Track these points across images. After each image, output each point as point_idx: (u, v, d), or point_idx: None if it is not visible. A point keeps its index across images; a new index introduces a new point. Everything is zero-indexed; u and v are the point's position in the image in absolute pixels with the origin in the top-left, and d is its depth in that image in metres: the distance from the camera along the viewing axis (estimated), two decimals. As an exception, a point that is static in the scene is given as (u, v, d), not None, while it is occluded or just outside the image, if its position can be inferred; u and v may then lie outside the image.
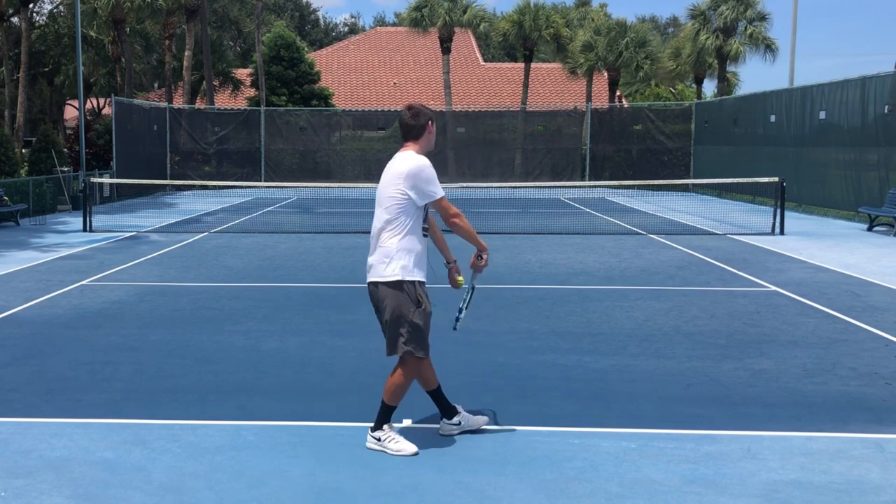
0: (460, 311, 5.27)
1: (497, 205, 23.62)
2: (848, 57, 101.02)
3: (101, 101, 44.97)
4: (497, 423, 5.37)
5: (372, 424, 5.00)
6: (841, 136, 20.16)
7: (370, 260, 4.90)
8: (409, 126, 4.93)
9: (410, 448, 4.86)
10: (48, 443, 5.03)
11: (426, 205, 4.87)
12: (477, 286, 5.43)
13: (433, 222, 5.18)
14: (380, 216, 4.87)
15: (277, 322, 8.43)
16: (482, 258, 5.17)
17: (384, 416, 4.95)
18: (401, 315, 4.79)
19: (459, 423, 5.17)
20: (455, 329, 5.35)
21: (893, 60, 78.96)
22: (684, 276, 11.25)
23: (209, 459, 4.78)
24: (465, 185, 22.93)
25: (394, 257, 4.79)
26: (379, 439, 4.91)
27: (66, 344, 7.49)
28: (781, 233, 16.04)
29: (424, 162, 4.82)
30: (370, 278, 4.89)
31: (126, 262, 12.46)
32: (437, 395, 5.14)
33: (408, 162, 4.81)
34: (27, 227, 17.61)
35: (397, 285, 4.78)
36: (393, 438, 4.90)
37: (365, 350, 7.32)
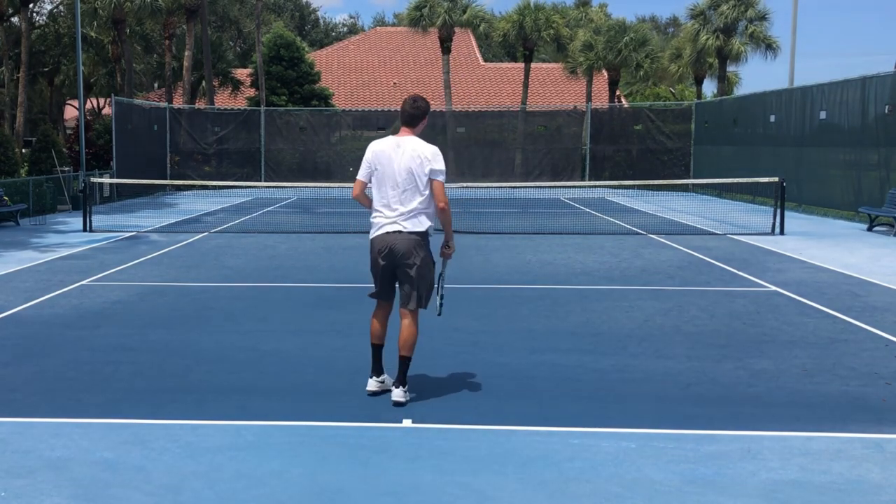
0: (441, 297, 6.04)
1: (497, 205, 23.62)
2: (848, 57, 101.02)
3: (101, 101, 44.97)
4: (497, 423, 5.37)
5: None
6: (841, 136, 20.15)
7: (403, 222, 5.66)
8: (411, 114, 5.74)
9: None
10: (48, 443, 5.03)
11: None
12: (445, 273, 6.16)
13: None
14: (414, 192, 5.60)
15: (277, 322, 8.43)
16: (449, 246, 5.89)
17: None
18: (429, 271, 5.73)
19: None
20: (440, 314, 6.11)
21: (893, 60, 78.87)
22: (684, 276, 11.25)
23: (209, 459, 4.78)
24: (465, 185, 22.92)
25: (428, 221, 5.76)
26: (407, 392, 5.75)
27: (66, 344, 7.49)
28: (781, 233, 16.04)
29: (437, 148, 5.73)
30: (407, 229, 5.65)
31: (126, 262, 12.45)
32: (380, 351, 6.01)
33: (426, 145, 5.67)
34: (27, 227, 17.61)
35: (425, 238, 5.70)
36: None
37: (365, 350, 7.30)
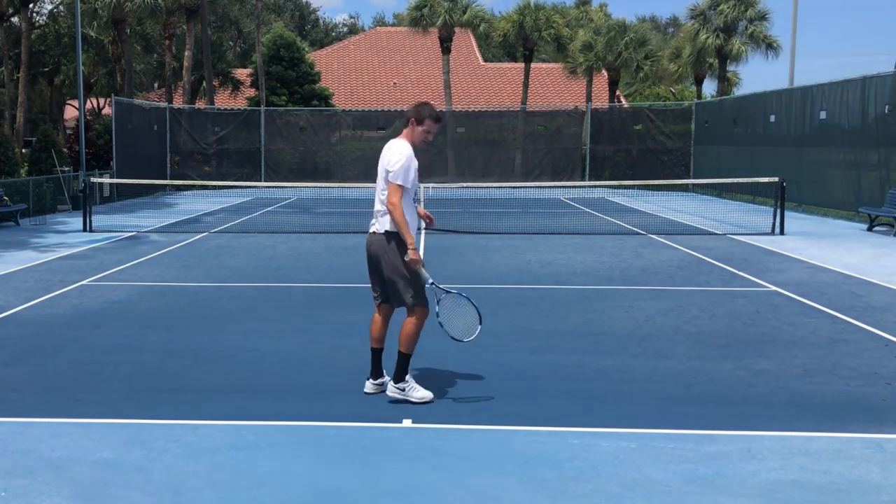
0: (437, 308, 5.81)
1: (497, 205, 23.61)
2: (848, 57, 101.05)
3: (101, 101, 44.97)
4: (497, 423, 5.37)
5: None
6: (841, 136, 20.15)
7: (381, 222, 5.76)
8: (405, 117, 5.89)
9: (429, 394, 5.76)
10: (48, 443, 5.03)
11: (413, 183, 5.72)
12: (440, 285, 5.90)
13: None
14: (381, 191, 5.73)
15: (277, 322, 8.43)
16: (408, 254, 5.61)
17: (405, 367, 5.73)
18: (403, 268, 5.63)
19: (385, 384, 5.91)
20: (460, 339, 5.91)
21: (893, 60, 78.88)
22: (684, 276, 11.25)
23: (209, 459, 4.78)
24: (465, 185, 22.89)
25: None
26: (403, 389, 5.72)
27: (66, 344, 7.49)
28: (781, 233, 16.04)
29: (407, 151, 5.66)
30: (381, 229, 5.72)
31: (126, 262, 12.45)
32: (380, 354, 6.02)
33: (397, 147, 5.72)
34: (27, 227, 17.61)
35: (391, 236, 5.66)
36: (415, 388, 5.75)
37: (365, 350, 7.30)
